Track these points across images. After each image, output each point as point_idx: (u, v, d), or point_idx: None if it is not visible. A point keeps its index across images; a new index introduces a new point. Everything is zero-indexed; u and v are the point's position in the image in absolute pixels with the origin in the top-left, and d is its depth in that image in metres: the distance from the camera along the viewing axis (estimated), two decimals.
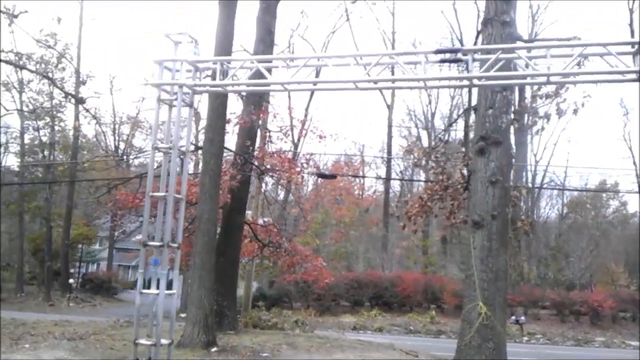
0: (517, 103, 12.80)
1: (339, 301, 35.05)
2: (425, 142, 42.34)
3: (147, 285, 8.27)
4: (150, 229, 9.19)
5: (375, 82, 8.59)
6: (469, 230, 11.41)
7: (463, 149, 15.30)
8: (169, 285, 8.30)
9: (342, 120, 64.33)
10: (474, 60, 7.48)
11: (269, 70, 8.80)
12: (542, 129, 11.69)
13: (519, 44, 8.91)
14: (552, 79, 7.79)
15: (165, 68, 8.49)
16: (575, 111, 11.42)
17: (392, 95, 45.51)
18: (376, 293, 34.80)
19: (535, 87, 11.14)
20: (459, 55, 7.48)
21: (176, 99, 8.40)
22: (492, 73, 7.35)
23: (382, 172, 49.60)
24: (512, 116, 11.05)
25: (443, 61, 7.40)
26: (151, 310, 8.22)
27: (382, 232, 43.52)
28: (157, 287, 8.14)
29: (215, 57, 9.64)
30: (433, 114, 48.89)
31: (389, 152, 46.78)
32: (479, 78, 7.81)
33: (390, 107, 45.65)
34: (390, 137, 46.28)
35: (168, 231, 7.95)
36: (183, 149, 8.77)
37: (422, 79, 7.85)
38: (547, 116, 11.49)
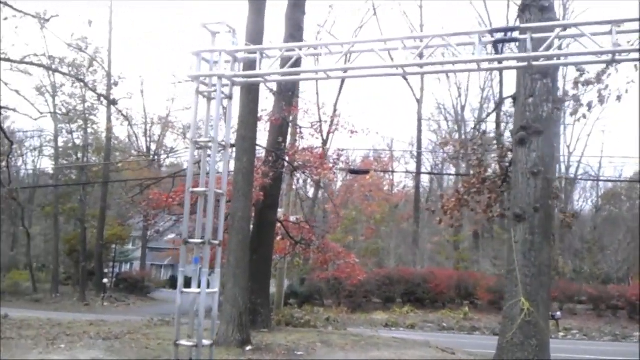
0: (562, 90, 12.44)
1: (370, 298, 34.80)
2: (455, 136, 41.90)
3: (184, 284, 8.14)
4: (188, 227, 9.03)
5: (422, 66, 8.18)
6: (509, 223, 11.09)
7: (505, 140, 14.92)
8: (209, 284, 8.15)
9: (370, 116, 63.80)
10: (532, 39, 7.06)
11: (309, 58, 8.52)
12: (584, 117, 11.16)
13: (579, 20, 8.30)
14: (619, 56, 7.18)
15: (203, 60, 8.30)
16: (618, 97, 10.98)
17: (422, 89, 45.05)
18: (408, 289, 34.45)
19: (578, 74, 10.74)
20: (515, 35, 7.11)
21: (215, 91, 8.19)
22: (552, 52, 6.96)
23: (411, 167, 49.16)
24: (554, 104, 10.69)
25: (498, 42, 7.07)
26: (192, 309, 8.06)
27: (412, 228, 43.08)
28: (198, 286, 7.98)
29: (255, 46, 9.21)
30: (463, 107, 48.27)
31: (419, 147, 46.24)
32: (537, 58, 7.34)
33: (419, 101, 45.12)
34: (420, 131, 45.75)
35: (209, 228, 7.78)
36: (223, 142, 8.48)
37: (476, 60, 7.41)
38: (589, 104, 11.04)
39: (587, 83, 11.12)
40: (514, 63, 8.69)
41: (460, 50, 7.26)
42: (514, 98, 11.39)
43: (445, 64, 8.54)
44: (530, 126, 10.45)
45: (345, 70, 8.61)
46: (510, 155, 12.43)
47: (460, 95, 49.89)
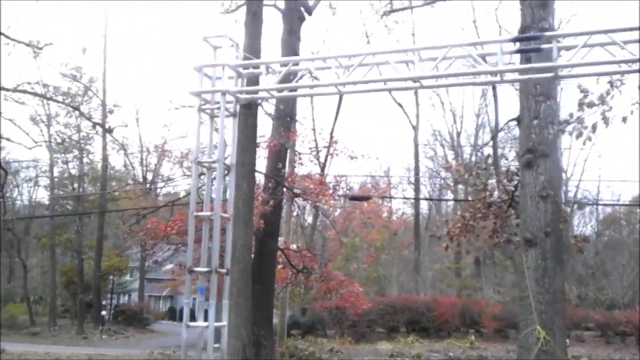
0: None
1: (374, 327, 34.15)
2: (453, 162, 41.78)
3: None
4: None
5: (440, 77, 7.76)
6: (518, 249, 10.77)
7: (504, 165, 14.68)
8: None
9: (366, 142, 63.90)
10: (558, 49, 6.75)
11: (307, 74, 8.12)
12: (590, 139, 10.94)
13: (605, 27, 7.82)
14: None
15: (205, 76, 7.97)
16: (624, 119, 10.77)
17: (417, 116, 45.24)
18: (412, 318, 33.86)
19: (582, 95, 10.54)
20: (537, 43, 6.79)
21: (218, 108, 7.85)
22: (581, 61, 6.65)
23: (409, 194, 49.05)
24: (559, 127, 10.47)
25: (521, 51, 6.81)
26: (198, 343, 7.51)
27: (413, 255, 42.70)
28: (205, 319, 7.47)
29: (260, 60, 8.84)
30: (459, 133, 48.53)
31: (417, 173, 46.22)
32: (564, 67, 7.04)
33: (415, 128, 45.30)
34: (417, 157, 45.81)
35: (216, 255, 7.32)
36: (228, 162, 8.13)
37: (498, 70, 7.06)
38: (594, 126, 10.81)
39: (591, 105, 10.94)
40: (536, 74, 8.12)
41: (478, 61, 6.94)
42: (518, 120, 11.17)
43: (466, 75, 8.08)
44: (537, 149, 10.20)
45: (354, 83, 8.03)
46: (516, 179, 12.17)
47: (455, 122, 50.09)
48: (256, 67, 8.36)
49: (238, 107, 8.50)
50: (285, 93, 9.17)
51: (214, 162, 7.94)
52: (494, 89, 33.90)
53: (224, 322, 7.80)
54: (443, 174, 43.64)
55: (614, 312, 34.49)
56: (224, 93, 7.84)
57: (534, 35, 7.36)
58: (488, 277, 41.24)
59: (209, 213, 7.87)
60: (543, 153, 10.18)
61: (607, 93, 10.46)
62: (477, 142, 45.33)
